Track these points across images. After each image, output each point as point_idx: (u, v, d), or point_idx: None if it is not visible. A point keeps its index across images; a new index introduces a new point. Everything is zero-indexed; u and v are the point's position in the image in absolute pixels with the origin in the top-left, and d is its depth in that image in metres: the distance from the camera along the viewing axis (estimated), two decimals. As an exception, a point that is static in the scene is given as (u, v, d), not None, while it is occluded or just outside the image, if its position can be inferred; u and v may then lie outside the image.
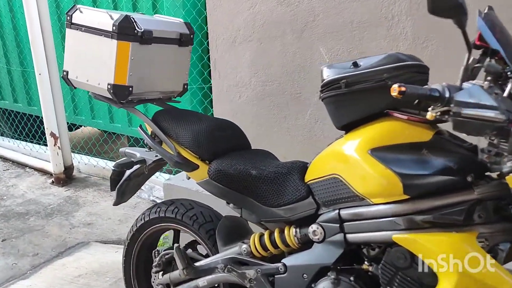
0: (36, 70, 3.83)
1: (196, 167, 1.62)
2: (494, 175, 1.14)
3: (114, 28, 1.60)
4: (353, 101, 1.31)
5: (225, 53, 2.61)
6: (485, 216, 1.15)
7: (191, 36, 1.87)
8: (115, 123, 4.21)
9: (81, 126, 4.96)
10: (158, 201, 3.55)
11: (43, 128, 4.06)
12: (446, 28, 1.90)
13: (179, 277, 1.71)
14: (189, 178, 1.72)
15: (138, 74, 1.68)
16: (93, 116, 4.38)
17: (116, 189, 1.85)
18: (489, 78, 1.07)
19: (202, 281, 1.65)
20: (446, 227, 1.17)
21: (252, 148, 1.77)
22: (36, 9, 3.68)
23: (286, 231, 1.47)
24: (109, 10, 1.77)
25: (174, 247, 1.66)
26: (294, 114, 2.47)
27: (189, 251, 1.83)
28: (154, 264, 1.82)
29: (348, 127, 1.36)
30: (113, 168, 1.80)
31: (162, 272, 1.83)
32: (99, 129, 4.78)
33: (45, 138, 4.09)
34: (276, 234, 1.50)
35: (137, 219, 1.90)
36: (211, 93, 2.89)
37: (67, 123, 4.16)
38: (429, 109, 1.11)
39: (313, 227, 1.38)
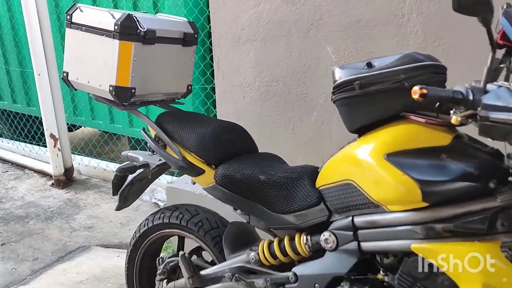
0: (35, 71, 3.77)
1: (201, 172, 1.56)
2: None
3: (116, 27, 1.53)
4: (368, 103, 1.25)
5: (229, 52, 2.55)
6: (509, 224, 1.09)
7: (195, 35, 1.81)
8: (116, 124, 4.16)
9: (81, 126, 4.91)
10: (160, 203, 3.50)
11: (43, 129, 4.00)
12: (459, 26, 1.86)
13: (185, 286, 1.65)
14: (194, 183, 1.66)
15: (140, 75, 1.62)
16: (93, 117, 4.32)
17: (119, 193, 1.79)
18: None
19: (209, 291, 1.59)
20: (467, 236, 1.11)
21: (259, 151, 1.71)
22: (35, 8, 3.61)
23: (296, 239, 1.41)
24: (110, 9, 1.71)
25: (180, 255, 1.60)
26: (300, 115, 2.41)
27: (194, 257, 1.78)
28: (158, 272, 1.76)
29: (361, 130, 1.30)
30: (115, 173, 1.74)
31: (166, 280, 1.77)
32: (99, 130, 4.72)
33: (45, 139, 4.03)
34: (286, 241, 1.44)
35: (140, 224, 1.85)
36: (214, 94, 2.83)
37: (67, 124, 4.11)
38: (451, 112, 1.06)
39: (325, 234, 1.32)
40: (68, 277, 2.64)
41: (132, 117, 3.94)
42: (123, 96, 1.60)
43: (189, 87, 1.87)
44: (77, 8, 1.67)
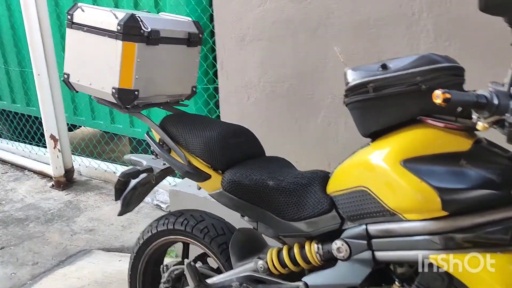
0: (34, 71, 3.71)
1: (208, 177, 1.51)
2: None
3: (119, 28, 1.48)
4: (383, 107, 1.20)
5: (233, 52, 2.49)
6: (533, 235, 1.04)
7: (200, 35, 1.76)
8: (117, 124, 4.11)
9: (81, 126, 4.85)
10: (162, 205, 3.45)
11: (43, 129, 3.95)
12: (472, 26, 1.81)
13: (190, 295, 1.60)
14: (199, 188, 1.60)
15: (144, 77, 1.57)
16: (93, 117, 4.27)
17: (121, 199, 1.74)
18: None
19: (215, 300, 1.54)
20: (489, 247, 1.06)
21: (266, 155, 1.66)
22: (35, 7, 3.56)
23: (306, 247, 1.35)
24: (113, 8, 1.66)
25: (185, 263, 1.55)
26: (306, 117, 2.36)
27: (199, 264, 1.73)
28: (163, 281, 1.71)
29: (375, 135, 1.25)
30: (118, 178, 1.68)
31: (171, 288, 1.72)
32: (100, 130, 4.68)
33: (45, 140, 3.98)
34: (295, 250, 1.38)
35: (143, 231, 1.79)
36: (217, 94, 2.78)
37: (67, 124, 4.05)
38: (474, 117, 1.00)
39: (337, 243, 1.26)
40: (69, 282, 2.59)
41: (133, 117, 3.89)
42: (126, 98, 1.55)
43: (194, 89, 1.81)
44: (78, 8, 1.61)
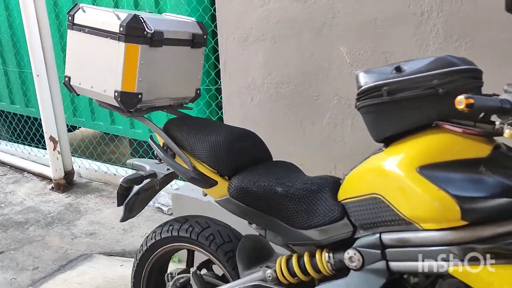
0: (34, 72, 3.66)
1: (214, 183, 1.46)
2: None
3: (121, 29, 1.43)
4: (397, 111, 1.15)
5: (236, 53, 2.44)
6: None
7: (204, 36, 1.71)
8: (117, 125, 4.06)
9: (81, 127, 4.80)
10: (164, 208, 3.40)
11: (42, 130, 3.89)
12: (483, 25, 1.76)
13: (196, 304, 1.55)
14: (205, 194, 1.56)
15: (147, 79, 1.52)
16: (93, 118, 4.23)
17: (124, 204, 1.69)
18: None
19: (222, 310, 1.49)
20: (511, 258, 1.01)
21: (273, 159, 1.61)
22: (33, 7, 3.50)
23: (317, 256, 1.31)
24: (115, 9, 1.61)
25: (191, 272, 1.50)
26: (311, 118, 2.31)
27: (204, 271, 1.68)
28: (167, 290, 1.67)
29: (388, 140, 1.20)
30: (120, 183, 1.63)
31: (176, 296, 1.67)
32: (100, 131, 4.63)
33: (45, 141, 3.93)
34: (305, 258, 1.34)
35: (147, 237, 1.74)
36: (219, 95, 2.73)
37: (67, 125, 4.00)
38: (497, 123, 0.96)
39: (350, 252, 1.21)
40: (70, 288, 2.55)
41: (133, 119, 3.83)
42: (129, 102, 1.50)
43: (198, 91, 1.77)
44: (79, 9, 1.56)
